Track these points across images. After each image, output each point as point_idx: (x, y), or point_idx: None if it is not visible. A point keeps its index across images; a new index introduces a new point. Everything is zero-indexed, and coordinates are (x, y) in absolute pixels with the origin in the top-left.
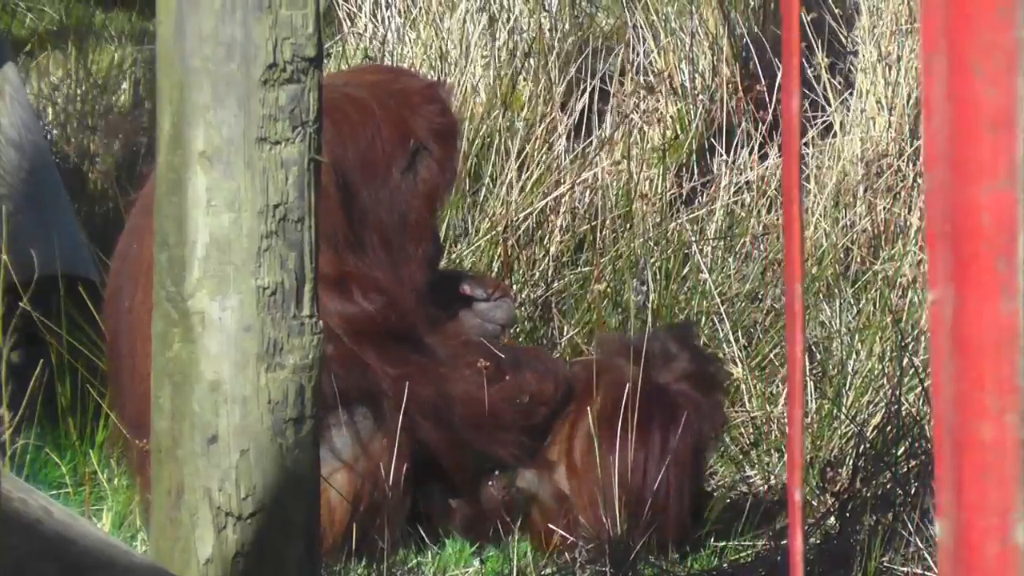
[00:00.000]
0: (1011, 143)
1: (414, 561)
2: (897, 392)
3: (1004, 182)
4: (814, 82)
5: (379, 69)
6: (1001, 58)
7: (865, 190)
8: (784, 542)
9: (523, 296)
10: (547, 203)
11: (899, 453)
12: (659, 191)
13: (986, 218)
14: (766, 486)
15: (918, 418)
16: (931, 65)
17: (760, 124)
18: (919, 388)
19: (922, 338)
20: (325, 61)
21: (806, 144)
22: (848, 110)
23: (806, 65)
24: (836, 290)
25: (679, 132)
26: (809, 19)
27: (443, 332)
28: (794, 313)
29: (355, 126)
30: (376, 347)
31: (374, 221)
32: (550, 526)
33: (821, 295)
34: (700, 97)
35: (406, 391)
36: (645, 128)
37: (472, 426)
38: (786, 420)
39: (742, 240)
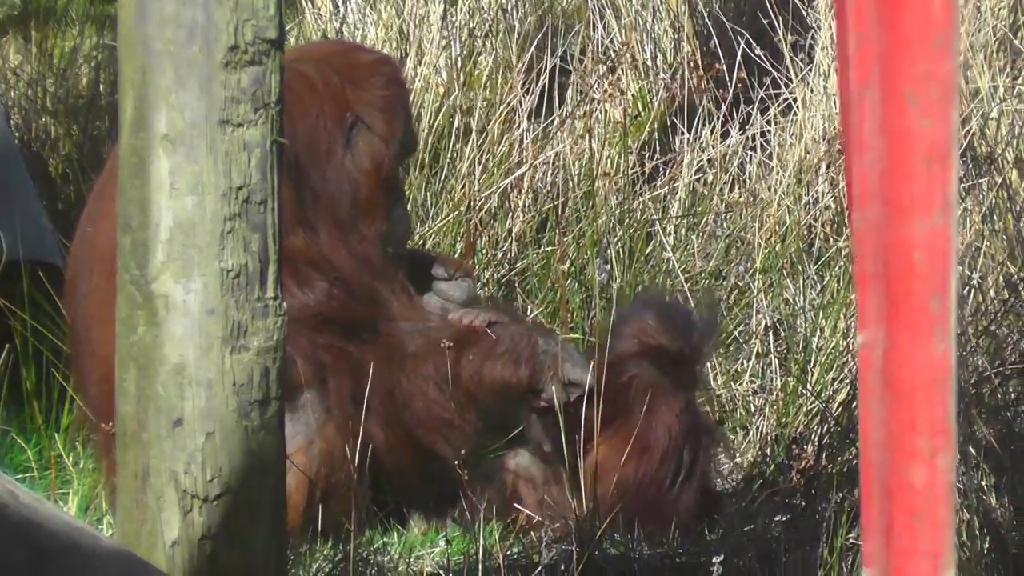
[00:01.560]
0: (946, 176)
1: (380, 542)
2: None
3: (939, 217)
4: (775, 60)
5: (332, 43)
6: (937, 89)
7: (827, 167)
8: (749, 527)
9: (486, 276)
10: (509, 182)
11: None
12: (621, 170)
13: (919, 255)
14: (731, 464)
15: None
16: (863, 100)
17: (721, 102)
18: None
19: None
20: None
21: (768, 122)
22: (809, 87)
23: (756, 42)
24: (800, 267)
25: (641, 110)
26: None
27: (410, 319)
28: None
29: (303, 104)
30: (308, 336)
31: (325, 201)
32: (516, 505)
33: (785, 272)
34: (662, 75)
35: (343, 381)
36: (607, 107)
37: (419, 425)
38: (751, 397)
39: (705, 218)
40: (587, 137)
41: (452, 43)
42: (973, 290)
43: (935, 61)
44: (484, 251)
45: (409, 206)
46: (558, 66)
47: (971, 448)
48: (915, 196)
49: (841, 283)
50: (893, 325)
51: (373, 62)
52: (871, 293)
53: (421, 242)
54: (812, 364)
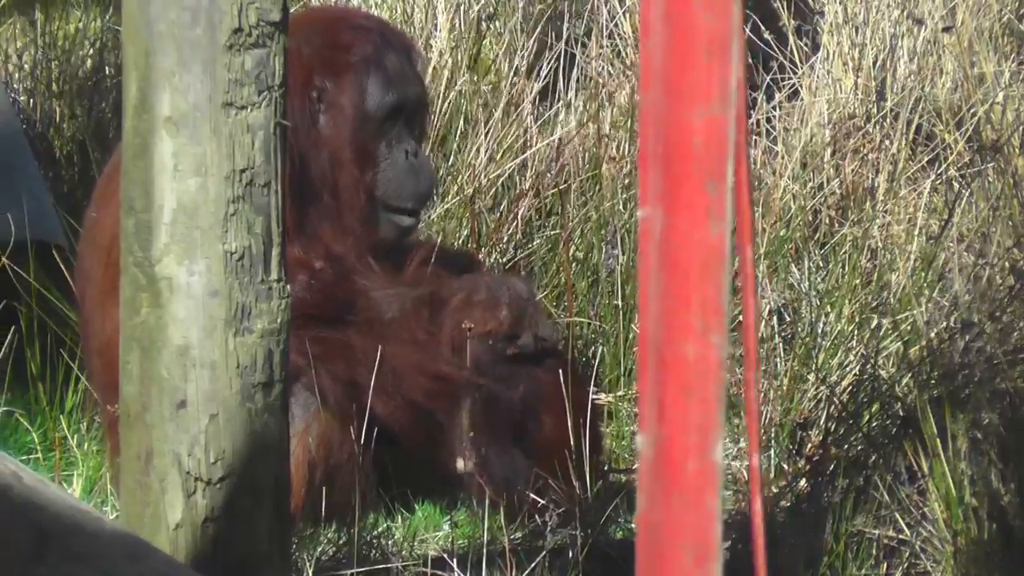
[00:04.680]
0: (725, 69)
1: (384, 526)
2: (868, 353)
3: (717, 107)
4: (780, 45)
5: (328, 10)
6: None
7: (833, 152)
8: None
9: (491, 261)
10: (515, 166)
11: (870, 415)
12: (627, 154)
13: (698, 141)
14: (734, 449)
15: (889, 380)
16: None
17: None
18: (889, 350)
19: (891, 300)
20: None
21: (773, 107)
22: (815, 72)
23: (762, 27)
24: (805, 252)
25: None
26: None
27: (384, 287)
28: (748, 275)
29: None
30: (293, 333)
31: (307, 179)
32: (520, 489)
33: (790, 257)
34: None
35: (335, 367)
36: (613, 91)
37: (413, 388)
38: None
39: None
40: (593, 121)
41: (458, 26)
42: (981, 276)
43: None
44: (490, 235)
45: None
46: (564, 50)
47: (978, 433)
48: (696, 85)
49: (846, 268)
50: (671, 205)
51: (346, 27)
52: (651, 173)
53: (427, 226)
54: (817, 350)
